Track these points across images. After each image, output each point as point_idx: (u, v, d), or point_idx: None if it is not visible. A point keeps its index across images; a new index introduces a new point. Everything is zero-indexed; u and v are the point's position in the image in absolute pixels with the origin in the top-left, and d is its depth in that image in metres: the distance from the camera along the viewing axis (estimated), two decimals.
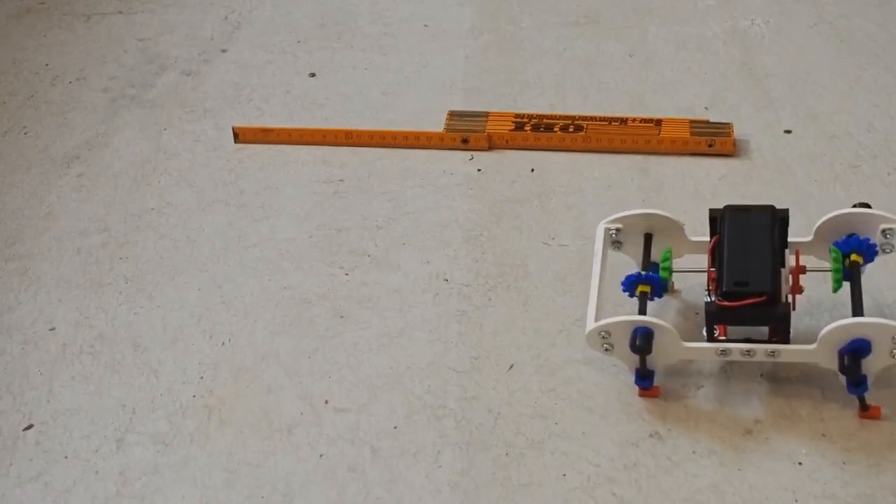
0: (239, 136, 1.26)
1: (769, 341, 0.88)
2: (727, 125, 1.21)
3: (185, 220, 1.15)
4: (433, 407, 0.92)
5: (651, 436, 0.88)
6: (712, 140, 1.18)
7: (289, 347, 0.99)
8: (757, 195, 1.12)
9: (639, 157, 1.19)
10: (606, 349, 0.90)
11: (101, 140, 1.28)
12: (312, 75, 1.38)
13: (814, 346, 0.86)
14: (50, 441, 0.92)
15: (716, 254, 0.91)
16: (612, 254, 0.98)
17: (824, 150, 1.18)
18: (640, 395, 0.91)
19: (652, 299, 0.94)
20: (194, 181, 1.21)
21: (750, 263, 0.88)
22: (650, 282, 0.93)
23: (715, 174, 1.16)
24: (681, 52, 1.37)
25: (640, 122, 1.22)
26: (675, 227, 0.96)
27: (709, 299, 0.90)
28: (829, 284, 0.92)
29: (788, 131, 1.22)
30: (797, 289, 0.90)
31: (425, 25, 1.46)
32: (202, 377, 0.97)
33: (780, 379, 0.92)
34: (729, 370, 0.93)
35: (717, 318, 0.88)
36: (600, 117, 1.23)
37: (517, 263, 1.06)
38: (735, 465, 0.86)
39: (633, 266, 0.98)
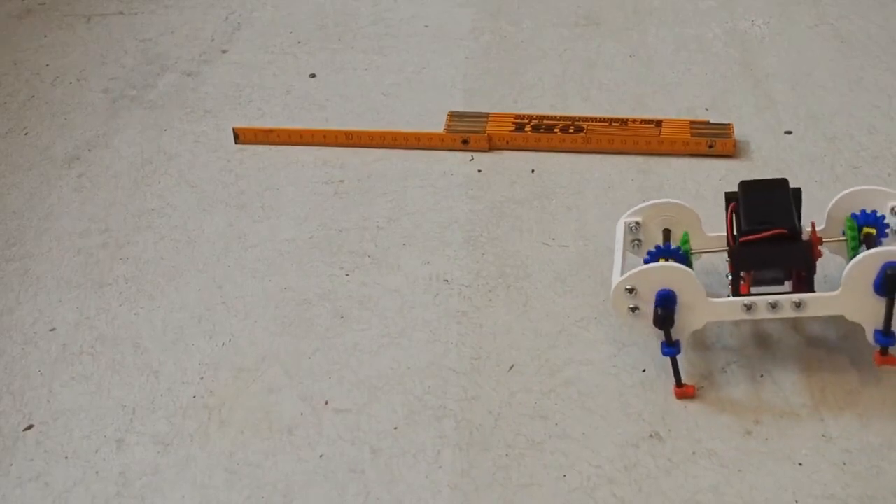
0: (239, 136, 1.26)
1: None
2: (727, 126, 1.21)
3: (186, 220, 1.15)
4: (433, 407, 0.92)
5: (651, 437, 0.88)
6: (713, 141, 1.18)
7: (289, 348, 0.99)
8: None
9: (639, 158, 1.19)
10: (633, 309, 0.89)
11: (101, 141, 1.29)
12: (313, 76, 1.38)
13: (838, 291, 0.86)
14: (50, 441, 0.92)
15: (734, 216, 0.91)
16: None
17: (825, 151, 1.18)
18: (677, 395, 0.91)
19: None
20: (195, 182, 1.21)
21: (770, 208, 0.89)
22: (673, 255, 0.93)
23: (715, 175, 1.16)
24: (681, 53, 1.37)
25: (641, 122, 1.22)
26: (692, 220, 0.96)
27: (730, 276, 0.90)
28: (841, 261, 0.92)
29: (789, 132, 1.22)
30: (817, 252, 0.89)
31: (426, 26, 1.46)
32: (202, 377, 0.97)
33: (780, 379, 0.92)
34: (729, 371, 0.93)
35: (740, 261, 0.88)
36: (601, 118, 1.23)
37: (517, 264, 1.06)
38: (735, 465, 0.86)
39: None
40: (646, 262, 0.93)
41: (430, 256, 1.08)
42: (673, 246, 0.95)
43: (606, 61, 1.36)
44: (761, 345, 0.95)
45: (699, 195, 1.13)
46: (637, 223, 0.97)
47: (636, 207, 0.97)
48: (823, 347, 0.94)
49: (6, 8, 1.57)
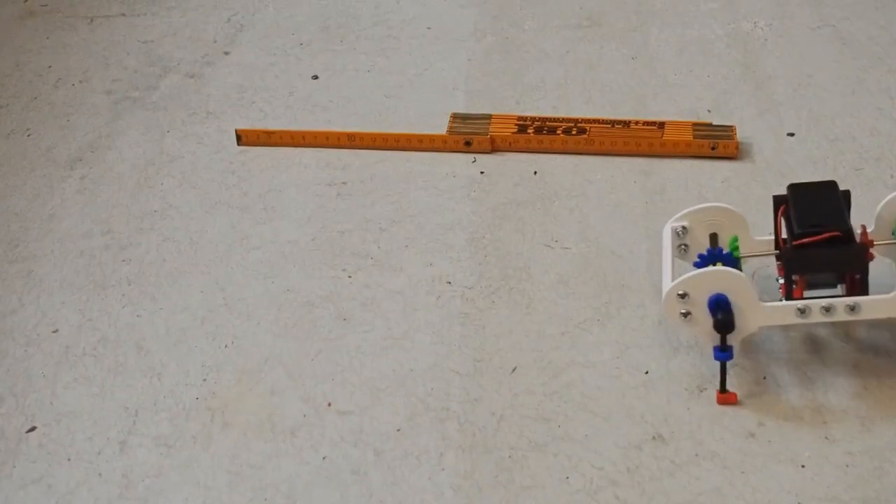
0: (242, 138, 1.26)
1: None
2: (730, 128, 1.21)
3: (188, 222, 1.15)
4: (436, 409, 0.92)
5: (654, 438, 0.88)
6: (715, 143, 1.18)
7: (292, 350, 0.99)
8: (760, 198, 1.12)
9: (641, 160, 1.19)
10: (684, 314, 0.89)
11: (104, 142, 1.29)
12: (315, 78, 1.38)
13: (894, 293, 0.86)
14: (53, 443, 0.92)
15: (784, 218, 0.91)
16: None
17: (827, 153, 1.18)
18: (719, 401, 0.90)
19: None
20: (197, 183, 1.21)
21: (821, 211, 0.88)
22: (723, 260, 0.92)
23: (718, 177, 1.16)
24: (683, 54, 1.37)
25: (643, 124, 1.22)
26: (739, 224, 0.96)
27: (781, 280, 0.90)
28: (891, 263, 0.92)
29: (791, 134, 1.22)
30: (869, 255, 0.89)
31: (428, 28, 1.46)
32: (205, 379, 0.97)
33: (783, 381, 0.92)
34: (731, 373, 0.93)
35: (794, 264, 0.87)
36: (603, 120, 1.23)
37: (520, 266, 1.06)
38: (738, 467, 0.86)
39: None
40: (696, 265, 0.93)
41: (433, 258, 1.08)
42: (722, 249, 0.95)
43: (608, 63, 1.36)
44: (764, 348, 0.95)
45: (701, 197, 1.13)
46: (684, 228, 0.96)
47: (682, 212, 0.97)
48: (826, 350, 0.94)
49: (8, 9, 1.57)
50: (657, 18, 1.45)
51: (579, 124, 1.23)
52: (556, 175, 1.18)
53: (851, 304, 0.87)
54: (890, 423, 0.88)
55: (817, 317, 0.88)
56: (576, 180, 1.17)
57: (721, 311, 0.87)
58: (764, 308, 0.88)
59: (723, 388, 0.90)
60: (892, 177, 1.14)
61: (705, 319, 0.89)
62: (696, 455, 0.87)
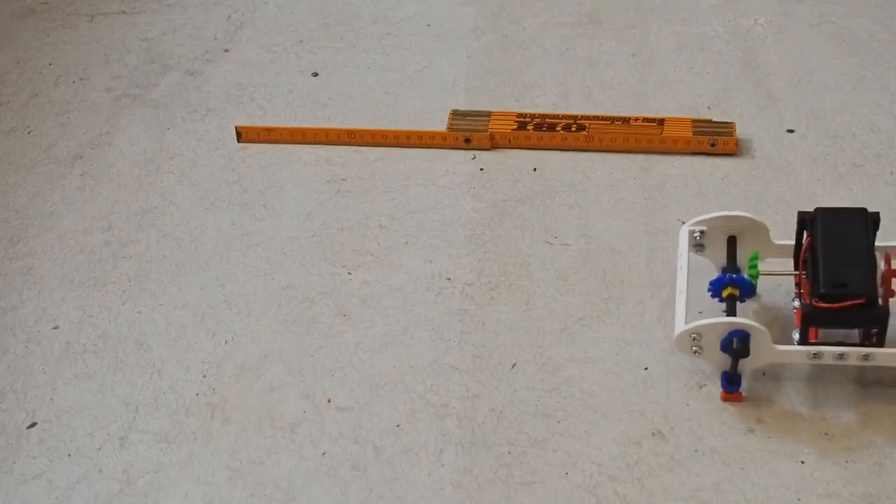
0: (242, 135, 1.27)
1: (862, 345, 0.87)
2: (730, 124, 1.21)
3: (188, 219, 1.15)
4: (435, 406, 0.92)
5: (653, 434, 0.88)
6: (715, 139, 1.18)
7: (291, 346, 0.99)
8: (760, 195, 1.12)
9: (641, 157, 1.19)
10: (695, 351, 0.89)
11: (104, 139, 1.29)
12: (315, 75, 1.38)
13: None
14: (53, 439, 0.92)
15: (808, 255, 0.90)
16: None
17: (827, 149, 1.18)
18: (724, 398, 0.90)
19: (742, 301, 0.93)
20: (197, 180, 1.21)
21: (847, 265, 0.87)
22: (738, 284, 0.91)
23: (718, 173, 1.16)
24: (683, 51, 1.37)
25: (643, 121, 1.22)
26: (759, 230, 0.95)
27: (797, 302, 0.90)
28: None
29: (791, 131, 1.22)
30: (890, 293, 0.88)
31: (428, 25, 1.46)
32: (205, 375, 0.97)
33: (782, 378, 0.92)
34: None
35: (813, 321, 0.87)
36: (603, 117, 1.23)
37: (519, 262, 1.06)
38: (737, 463, 0.86)
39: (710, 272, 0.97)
40: (711, 286, 0.92)
41: (433, 255, 1.08)
42: (739, 257, 0.94)
43: (608, 60, 1.36)
44: None
45: (701, 193, 1.13)
46: (702, 232, 0.96)
47: (703, 217, 0.96)
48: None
49: (9, 7, 1.57)
50: (657, 15, 1.45)
51: (579, 121, 1.23)
52: (556, 172, 1.18)
53: (865, 353, 0.87)
54: (889, 419, 0.88)
55: (829, 360, 0.88)
56: (575, 177, 1.17)
57: (738, 339, 0.87)
58: (777, 350, 0.88)
59: (736, 390, 0.90)
60: (892, 173, 1.14)
61: (716, 356, 0.89)
62: (696, 451, 0.87)
